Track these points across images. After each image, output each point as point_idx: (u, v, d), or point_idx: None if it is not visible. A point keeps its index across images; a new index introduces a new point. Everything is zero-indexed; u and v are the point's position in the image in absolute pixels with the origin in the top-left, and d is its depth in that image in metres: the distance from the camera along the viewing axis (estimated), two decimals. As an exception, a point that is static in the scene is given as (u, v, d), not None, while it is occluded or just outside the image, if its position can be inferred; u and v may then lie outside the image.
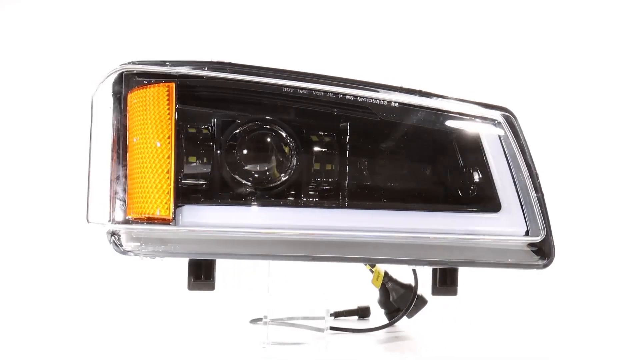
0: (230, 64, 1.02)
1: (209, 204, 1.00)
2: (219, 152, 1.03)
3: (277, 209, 1.02)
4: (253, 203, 1.02)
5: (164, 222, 0.96)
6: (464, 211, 1.06)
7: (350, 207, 1.07)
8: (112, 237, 0.97)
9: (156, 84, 0.99)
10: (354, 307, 1.41)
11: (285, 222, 1.00)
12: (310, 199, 1.06)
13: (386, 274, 1.32)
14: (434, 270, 1.11)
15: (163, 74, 1.00)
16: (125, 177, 0.98)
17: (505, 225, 1.05)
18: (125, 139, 0.99)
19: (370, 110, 1.06)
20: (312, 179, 1.07)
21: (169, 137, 0.97)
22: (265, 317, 1.08)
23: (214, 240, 0.98)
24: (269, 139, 1.04)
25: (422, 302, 1.30)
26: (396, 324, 1.29)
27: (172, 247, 0.97)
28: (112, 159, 0.99)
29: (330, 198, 1.07)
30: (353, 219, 1.02)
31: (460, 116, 1.08)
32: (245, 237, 0.98)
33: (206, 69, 1.01)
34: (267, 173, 1.04)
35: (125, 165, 0.98)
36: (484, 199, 1.07)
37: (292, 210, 1.02)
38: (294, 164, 1.05)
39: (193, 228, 0.96)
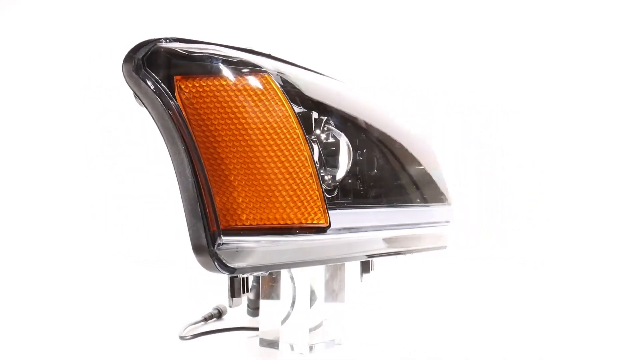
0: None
1: (345, 207, 0.94)
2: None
3: (392, 209, 1.05)
4: (381, 204, 1.01)
5: (317, 230, 0.87)
6: (436, 204, 1.22)
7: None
8: (215, 253, 0.81)
9: (254, 74, 0.88)
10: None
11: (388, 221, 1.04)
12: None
13: None
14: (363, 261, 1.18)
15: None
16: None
17: (452, 215, 1.25)
18: (186, 135, 0.83)
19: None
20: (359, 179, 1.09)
21: (297, 137, 0.87)
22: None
23: (364, 241, 0.96)
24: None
25: None
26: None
27: (324, 255, 0.90)
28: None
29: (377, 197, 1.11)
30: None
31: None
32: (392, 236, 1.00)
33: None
34: (355, 173, 0.99)
35: (203, 168, 0.83)
36: (441, 194, 1.24)
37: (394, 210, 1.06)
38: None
39: (349, 234, 0.91)
